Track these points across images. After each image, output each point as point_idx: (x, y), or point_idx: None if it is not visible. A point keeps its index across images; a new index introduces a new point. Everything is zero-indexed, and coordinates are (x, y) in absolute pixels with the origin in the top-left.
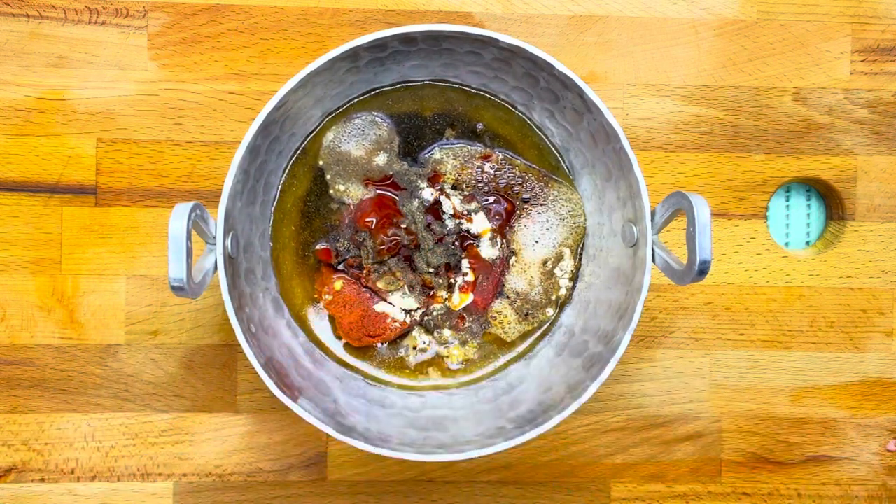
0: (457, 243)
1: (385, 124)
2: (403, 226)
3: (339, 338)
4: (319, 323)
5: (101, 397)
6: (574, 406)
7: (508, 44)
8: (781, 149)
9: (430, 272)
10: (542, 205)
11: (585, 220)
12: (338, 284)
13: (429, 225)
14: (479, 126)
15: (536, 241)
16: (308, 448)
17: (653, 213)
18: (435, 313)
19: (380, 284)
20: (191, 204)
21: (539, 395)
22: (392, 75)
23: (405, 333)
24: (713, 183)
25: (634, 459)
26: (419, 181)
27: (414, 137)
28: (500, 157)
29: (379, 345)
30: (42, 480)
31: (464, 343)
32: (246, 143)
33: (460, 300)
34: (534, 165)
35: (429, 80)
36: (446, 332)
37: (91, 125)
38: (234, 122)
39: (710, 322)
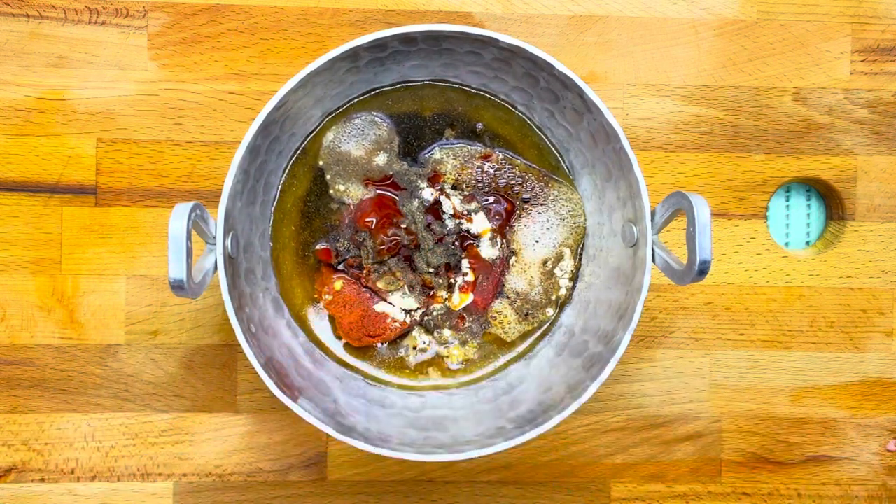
0: (457, 243)
1: (385, 124)
2: (403, 226)
3: (339, 338)
4: (319, 323)
5: (101, 397)
6: (574, 406)
7: (508, 44)
8: (781, 149)
9: (430, 272)
10: (542, 205)
11: (585, 219)
12: (338, 284)
13: (429, 225)
14: (479, 126)
15: (536, 241)
16: (308, 448)
17: (653, 213)
18: (435, 313)
19: (380, 284)
20: (191, 204)
21: (539, 395)
22: (392, 75)
23: (405, 333)
24: (713, 183)
25: (634, 459)
26: (419, 181)
27: (414, 137)
28: (500, 156)
29: (379, 345)
30: (42, 480)
31: (464, 343)
32: (246, 143)
33: (460, 300)
34: (534, 165)
35: (429, 80)
36: (446, 332)
37: (91, 125)
38: (234, 122)
39: (710, 322)
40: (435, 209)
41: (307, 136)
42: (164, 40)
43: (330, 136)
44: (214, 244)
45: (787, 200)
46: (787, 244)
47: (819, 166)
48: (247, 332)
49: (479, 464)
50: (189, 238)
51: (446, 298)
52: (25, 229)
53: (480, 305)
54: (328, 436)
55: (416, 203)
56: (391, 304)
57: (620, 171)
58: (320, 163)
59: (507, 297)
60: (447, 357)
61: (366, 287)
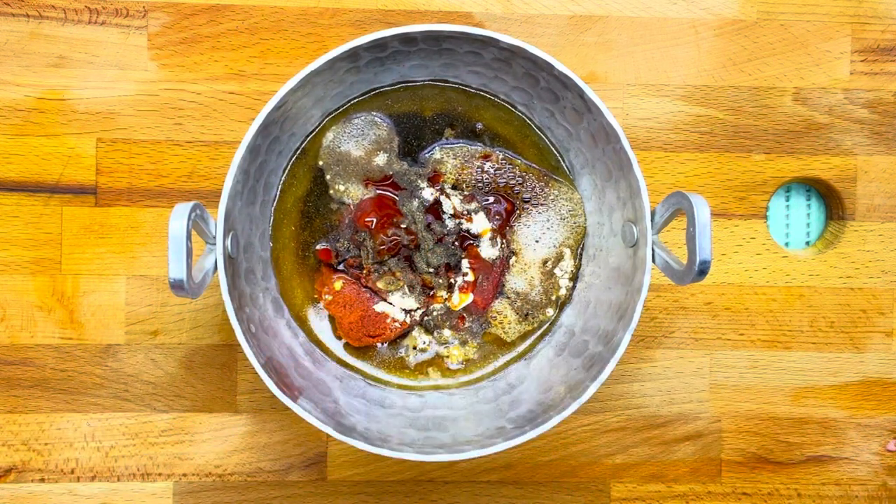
0: (457, 243)
1: (385, 124)
2: (403, 226)
3: (339, 338)
4: (319, 323)
5: (101, 397)
6: (574, 406)
7: (508, 44)
8: (781, 149)
9: (430, 272)
10: (542, 204)
11: (585, 219)
12: (338, 284)
13: (429, 225)
14: (479, 126)
15: (537, 241)
16: (308, 448)
17: (653, 213)
18: (435, 313)
19: (380, 284)
20: (191, 204)
21: (539, 395)
22: (392, 75)
23: (405, 333)
24: (713, 183)
25: (634, 459)
26: (419, 181)
27: (414, 137)
28: (501, 156)
29: (379, 345)
30: (42, 480)
31: (464, 343)
32: (246, 143)
33: (460, 300)
34: (534, 165)
35: (429, 80)
36: (446, 332)
37: (91, 125)
38: (234, 122)
39: (710, 322)
40: (435, 209)
41: (307, 136)
42: (164, 40)
43: (330, 136)
44: (214, 244)
45: (787, 200)
46: (787, 244)
47: (819, 166)
48: (247, 332)
49: (479, 464)
50: (189, 238)
51: (446, 298)
52: (25, 229)
53: (480, 305)
54: (328, 436)
55: (416, 203)
56: (391, 304)
57: (620, 171)
58: (320, 163)
59: (507, 297)
60: (447, 357)
61: (366, 287)
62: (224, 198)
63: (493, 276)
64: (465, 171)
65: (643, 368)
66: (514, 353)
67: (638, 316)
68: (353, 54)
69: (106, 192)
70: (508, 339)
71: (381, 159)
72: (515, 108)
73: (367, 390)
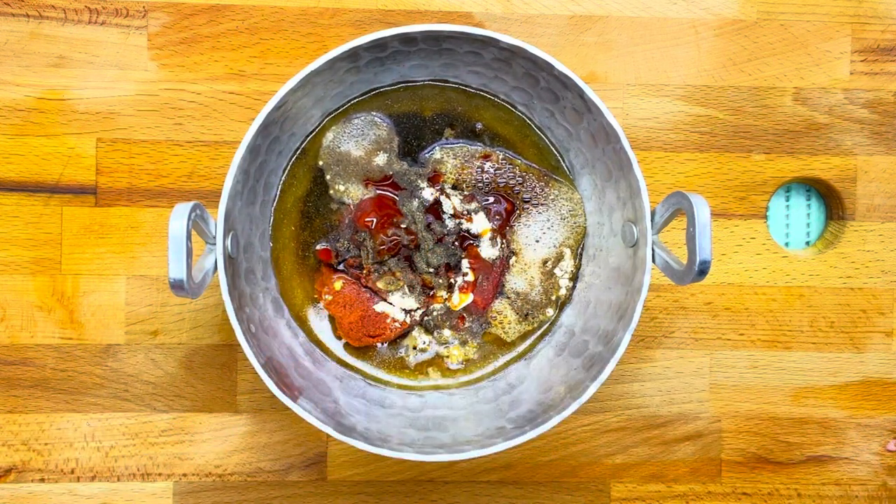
0: (457, 243)
1: (384, 124)
2: (403, 226)
3: (339, 338)
4: (319, 323)
5: (101, 397)
6: (574, 406)
7: (508, 44)
8: (781, 149)
9: (430, 272)
10: (542, 204)
11: (585, 219)
12: (338, 284)
13: (429, 225)
14: (479, 126)
15: (537, 241)
16: (308, 448)
17: (653, 213)
18: (435, 313)
19: (380, 284)
20: (191, 204)
21: (539, 395)
22: (392, 75)
23: (405, 333)
24: (713, 183)
25: (634, 459)
26: (419, 181)
27: (414, 137)
28: (501, 156)
29: (379, 345)
30: (42, 480)
31: (464, 343)
32: (246, 143)
33: (460, 300)
34: (534, 165)
35: (429, 80)
36: (446, 332)
37: (91, 125)
38: (234, 122)
39: (710, 322)
40: (435, 209)
41: (307, 136)
42: (164, 40)
43: (330, 136)
44: (214, 244)
45: (787, 200)
46: (787, 244)
47: (819, 166)
48: (247, 332)
49: (479, 464)
50: (189, 238)
51: (446, 298)
52: (25, 229)
53: (480, 305)
54: (328, 436)
55: (416, 203)
56: (391, 304)
57: (620, 171)
58: (320, 163)
59: (508, 297)
60: (447, 357)
61: (366, 287)
62: (224, 198)
63: (493, 276)
64: (465, 171)
65: (643, 368)
66: (514, 353)
67: (638, 316)
68: (353, 54)
69: (106, 192)
70: (508, 339)
71: (381, 159)
72: (515, 108)
73: (367, 390)
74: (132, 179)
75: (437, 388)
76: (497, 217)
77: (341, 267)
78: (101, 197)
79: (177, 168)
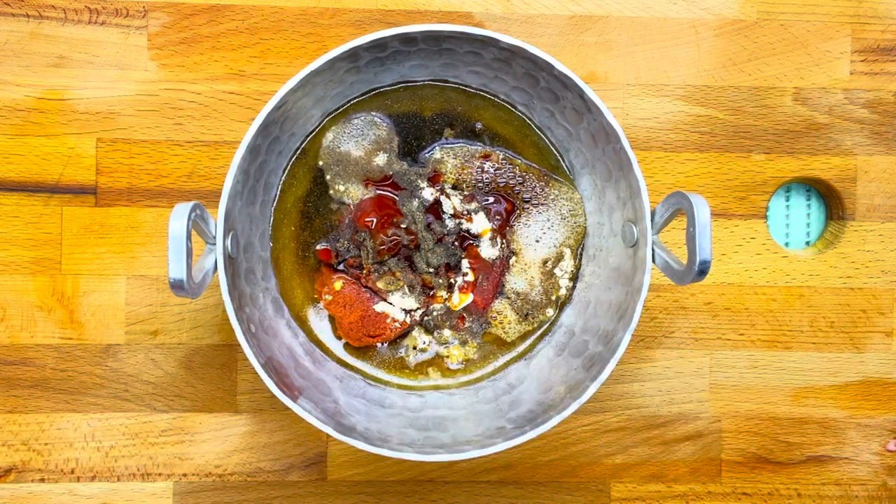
0: (457, 243)
1: (384, 124)
2: (403, 226)
3: (339, 338)
4: (319, 323)
5: (101, 397)
6: (574, 406)
7: (508, 44)
8: (781, 149)
9: (430, 272)
10: (542, 204)
11: (586, 219)
12: (338, 284)
13: (429, 225)
14: (479, 126)
15: (537, 241)
16: (308, 448)
17: (653, 213)
18: (435, 313)
19: (380, 284)
20: (191, 204)
21: (539, 395)
22: (392, 75)
23: (405, 333)
24: (713, 183)
25: (634, 459)
26: (419, 181)
27: (413, 137)
28: (501, 156)
29: (379, 345)
30: (42, 480)
31: (464, 343)
32: (246, 143)
33: (460, 300)
34: (534, 165)
35: (429, 80)
36: (446, 332)
37: (91, 125)
38: (234, 122)
39: (710, 322)
40: (435, 209)
41: (307, 136)
42: (164, 40)
43: (330, 136)
44: (214, 244)
45: (787, 200)
46: (787, 244)
47: (819, 166)
48: (247, 332)
49: (479, 464)
50: (189, 238)
51: (446, 298)
52: (25, 229)
53: (480, 305)
54: (328, 436)
55: (416, 203)
56: (391, 304)
57: (620, 171)
58: (320, 163)
59: (508, 297)
60: (447, 357)
61: (366, 287)
62: (224, 198)
63: (493, 276)
64: (465, 171)
65: (643, 368)
66: (514, 353)
67: (638, 316)
68: (353, 54)
69: (106, 192)
70: (508, 339)
71: (381, 159)
72: (515, 108)
73: (367, 390)
74: (132, 179)
75: (437, 388)
76: (497, 217)
77: (341, 267)
78: (101, 197)
79: (177, 168)
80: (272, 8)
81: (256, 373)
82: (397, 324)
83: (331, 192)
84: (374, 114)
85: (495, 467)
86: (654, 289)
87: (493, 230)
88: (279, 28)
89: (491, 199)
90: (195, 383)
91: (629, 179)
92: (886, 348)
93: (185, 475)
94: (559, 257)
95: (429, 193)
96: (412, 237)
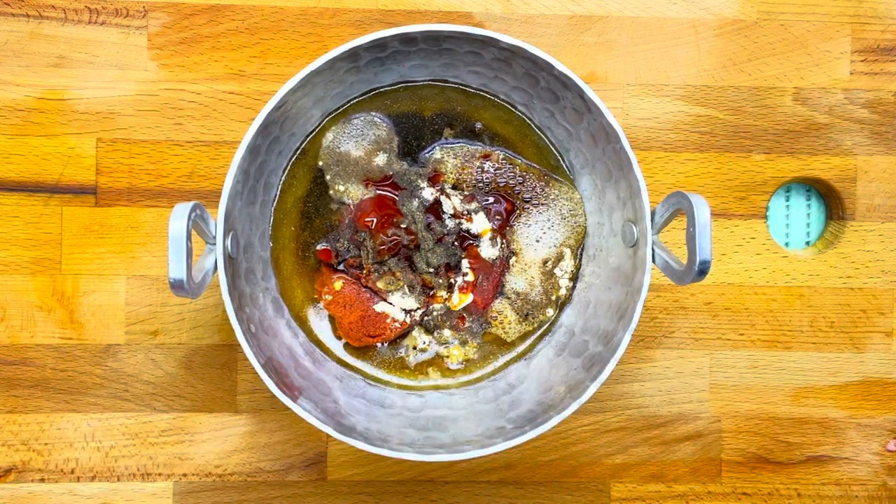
0: (457, 243)
1: (384, 124)
2: (403, 226)
3: (339, 338)
4: (319, 323)
5: (101, 397)
6: (574, 406)
7: (508, 44)
8: (781, 149)
9: (430, 272)
10: (542, 204)
11: (586, 219)
12: (338, 284)
13: (429, 225)
14: (479, 125)
15: (537, 241)
16: (308, 448)
17: (653, 213)
18: (435, 313)
19: (380, 284)
20: (191, 204)
21: (539, 395)
22: (392, 75)
23: (405, 333)
24: (713, 183)
25: (634, 459)
26: (419, 181)
27: (413, 137)
28: (501, 156)
29: (379, 345)
30: (42, 480)
31: (464, 343)
32: (246, 143)
33: (460, 300)
34: (534, 165)
35: (429, 80)
36: (446, 332)
37: (91, 125)
38: (234, 122)
39: (710, 322)
40: (435, 209)
41: (307, 136)
42: (164, 40)
43: (330, 136)
44: (214, 244)
45: (787, 200)
46: (787, 244)
47: (819, 166)
48: (247, 332)
49: (479, 464)
50: (189, 238)
51: (446, 298)
52: (25, 229)
53: (480, 305)
54: (328, 436)
55: (416, 203)
56: (391, 304)
57: (620, 171)
58: (320, 163)
59: (507, 297)
60: (447, 357)
61: (366, 287)
62: (224, 198)
63: (493, 276)
64: (465, 171)
65: (643, 368)
66: (514, 353)
67: (638, 316)
68: (353, 54)
69: (106, 192)
70: (508, 339)
71: (381, 159)
72: (515, 108)
73: (367, 390)
74: (132, 179)
75: (437, 388)
76: (497, 217)
77: (341, 267)
78: (101, 197)
79: (177, 168)
80: (272, 8)
81: (256, 373)
82: (397, 324)
83: (331, 192)
84: (374, 114)
85: (495, 467)
86: (654, 289)
87: (493, 230)
88: (279, 28)
89: (491, 199)
90: (195, 383)
91: (629, 179)
92: (886, 348)
93: (185, 475)
94: (559, 257)
95: (429, 193)
96: (412, 237)
